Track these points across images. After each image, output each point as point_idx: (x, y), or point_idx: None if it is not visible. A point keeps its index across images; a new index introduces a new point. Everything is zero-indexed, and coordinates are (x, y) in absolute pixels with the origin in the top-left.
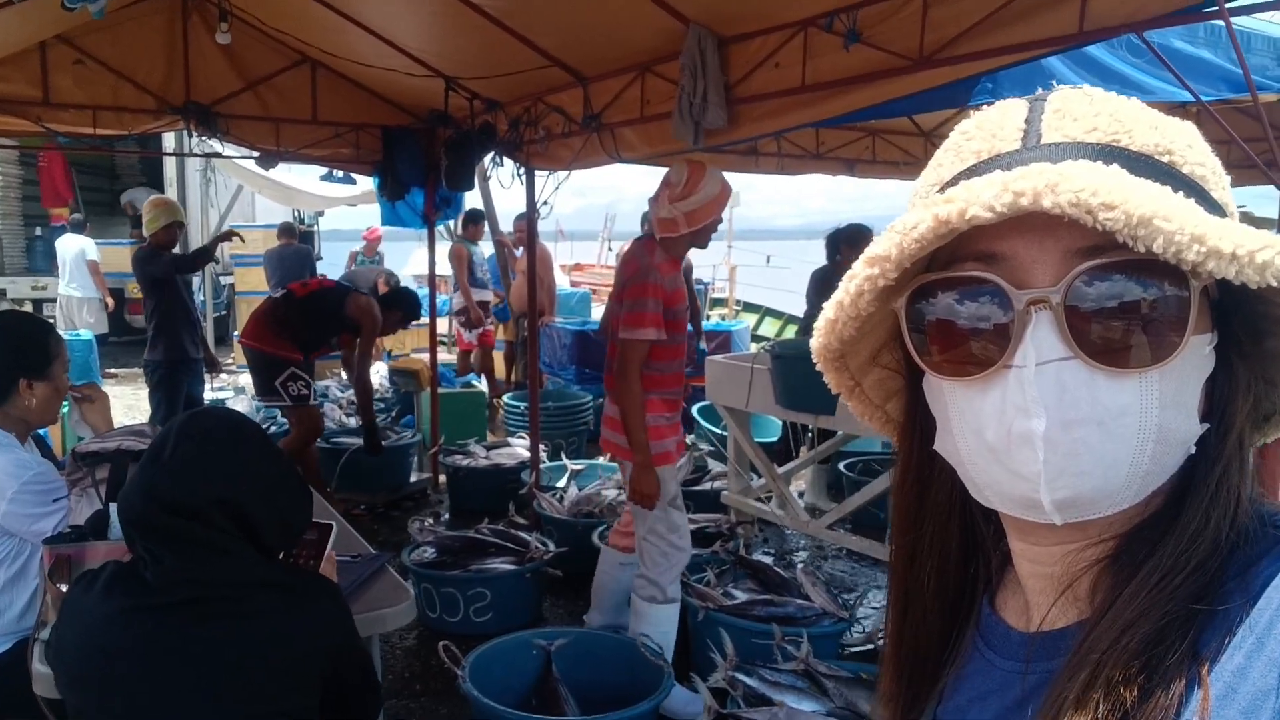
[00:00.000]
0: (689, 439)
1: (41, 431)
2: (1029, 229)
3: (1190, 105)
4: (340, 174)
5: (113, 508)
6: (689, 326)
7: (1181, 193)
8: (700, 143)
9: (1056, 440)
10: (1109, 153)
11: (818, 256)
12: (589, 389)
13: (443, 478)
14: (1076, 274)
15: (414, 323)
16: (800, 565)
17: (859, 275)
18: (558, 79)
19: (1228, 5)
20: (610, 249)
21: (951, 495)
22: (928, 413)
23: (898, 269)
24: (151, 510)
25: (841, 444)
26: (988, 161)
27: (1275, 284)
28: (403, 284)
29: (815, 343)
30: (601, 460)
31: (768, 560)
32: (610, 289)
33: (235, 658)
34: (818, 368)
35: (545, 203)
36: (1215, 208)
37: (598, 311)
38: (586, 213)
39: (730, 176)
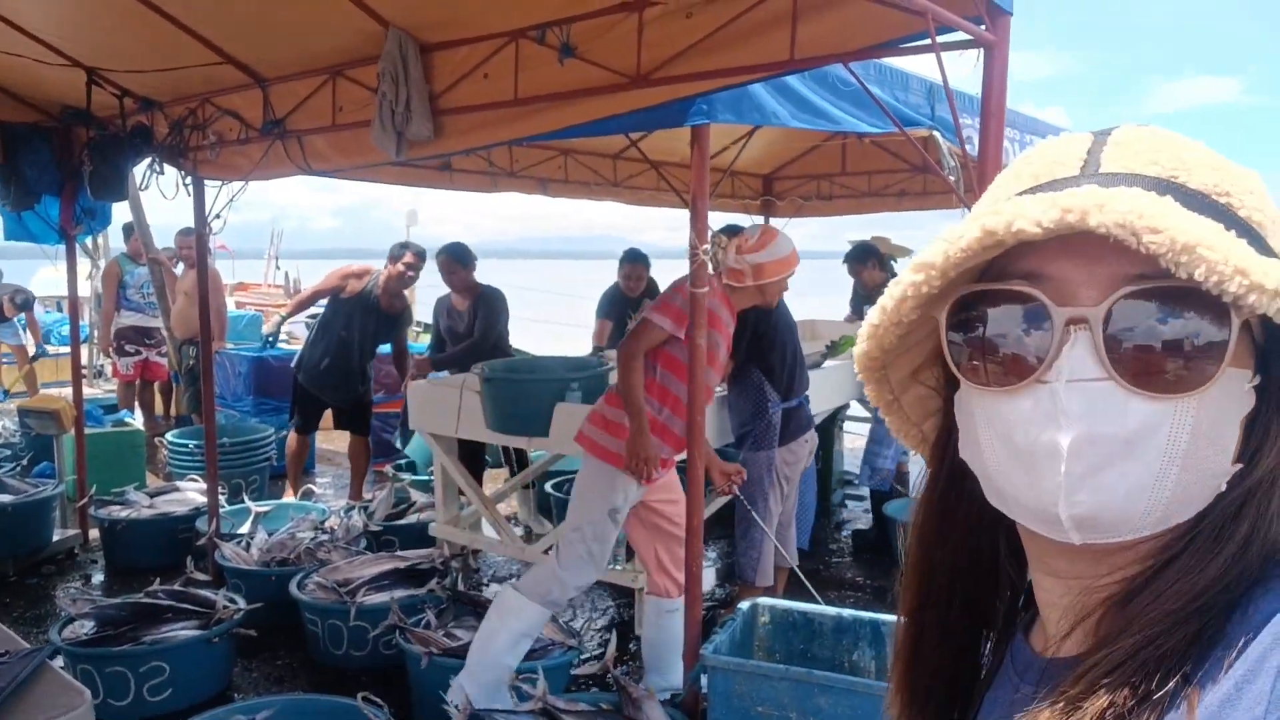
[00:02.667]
0: (388, 469)
1: None
2: (1078, 253)
3: (865, 136)
4: None
5: None
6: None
7: (1234, 232)
8: (404, 154)
9: (1081, 453)
10: (1165, 186)
11: (494, 277)
12: (269, 420)
13: (95, 533)
14: (1118, 296)
15: None
16: None
17: (904, 281)
18: (231, 78)
19: (939, 39)
20: (278, 267)
21: (980, 519)
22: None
23: (942, 277)
24: None
25: (550, 464)
26: (1045, 185)
27: None
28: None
29: (858, 349)
30: (290, 499)
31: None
32: (280, 308)
33: None
34: (859, 377)
35: (218, 216)
36: (1270, 254)
37: None
38: (248, 228)
39: (417, 193)
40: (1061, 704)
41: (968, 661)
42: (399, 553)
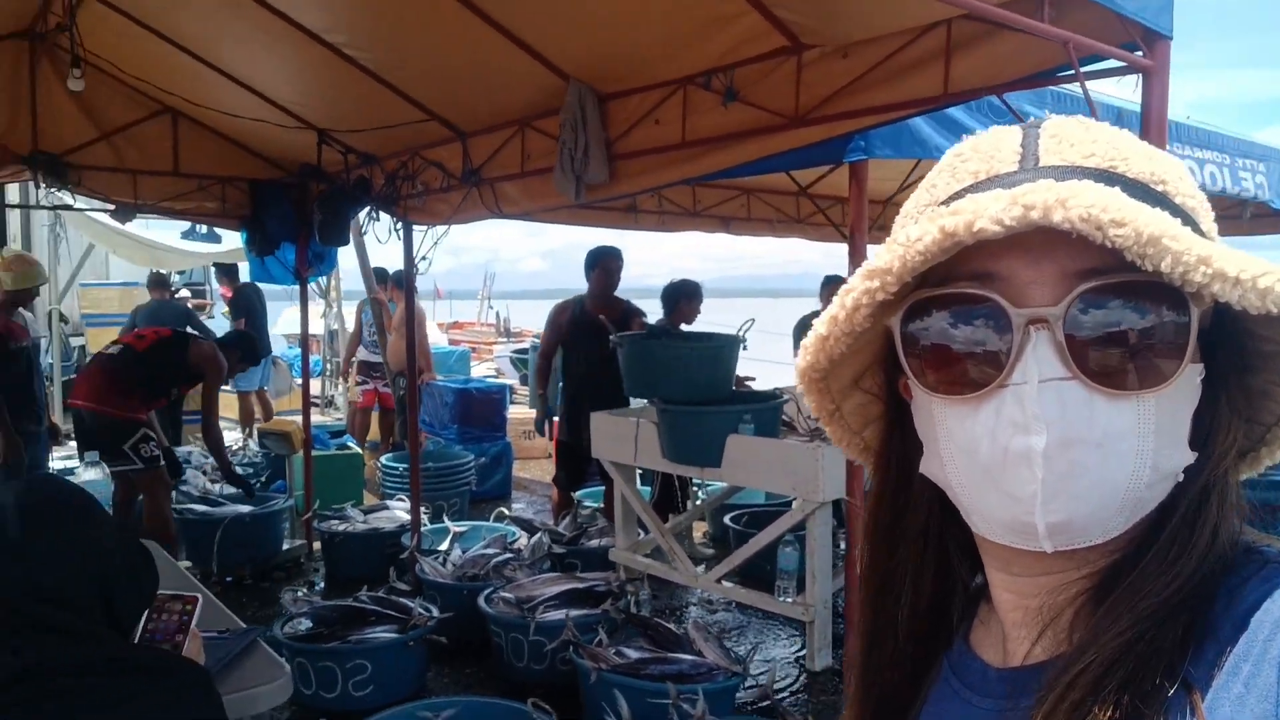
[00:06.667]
0: (574, 495)
1: None
2: (1026, 249)
3: None
4: (204, 229)
5: None
6: None
7: (1178, 220)
8: (582, 197)
9: (1055, 459)
10: (1108, 177)
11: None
12: (470, 448)
13: (318, 544)
14: (1078, 294)
15: (250, 366)
16: (692, 621)
17: (857, 289)
18: (436, 133)
19: (1082, 70)
20: (491, 306)
21: (927, 525)
22: (905, 440)
23: (898, 282)
24: (12, 598)
25: (727, 497)
26: (986, 181)
27: (1276, 310)
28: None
29: (803, 361)
30: (486, 521)
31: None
32: (491, 345)
33: None
34: (799, 389)
35: (424, 258)
36: (1204, 238)
37: (478, 369)
38: (463, 272)
39: (610, 234)
40: (1062, 711)
41: (924, 671)
42: (579, 574)
